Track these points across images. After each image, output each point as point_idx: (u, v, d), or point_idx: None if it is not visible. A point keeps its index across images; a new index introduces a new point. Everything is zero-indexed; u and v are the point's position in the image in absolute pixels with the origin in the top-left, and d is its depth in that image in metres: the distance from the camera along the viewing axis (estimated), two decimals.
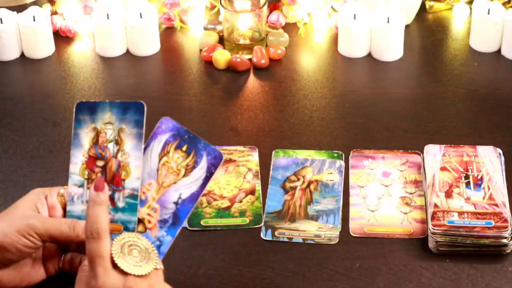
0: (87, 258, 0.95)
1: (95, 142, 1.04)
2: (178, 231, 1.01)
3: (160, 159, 1.03)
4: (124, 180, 1.02)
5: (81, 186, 1.04)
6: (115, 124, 1.03)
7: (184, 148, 1.02)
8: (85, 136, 1.04)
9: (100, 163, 1.03)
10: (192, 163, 1.02)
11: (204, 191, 1.01)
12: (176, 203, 1.02)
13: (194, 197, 1.01)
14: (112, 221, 1.01)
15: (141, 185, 1.02)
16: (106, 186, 0.98)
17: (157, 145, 1.03)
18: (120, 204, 1.02)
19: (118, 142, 1.03)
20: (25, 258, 1.02)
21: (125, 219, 1.02)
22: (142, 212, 1.02)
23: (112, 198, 1.02)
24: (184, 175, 1.02)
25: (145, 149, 1.03)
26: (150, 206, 1.02)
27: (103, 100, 1.04)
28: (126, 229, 1.01)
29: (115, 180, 1.03)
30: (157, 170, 1.03)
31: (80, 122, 1.04)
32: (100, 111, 1.03)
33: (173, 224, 1.02)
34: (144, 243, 0.97)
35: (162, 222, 1.02)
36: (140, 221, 1.02)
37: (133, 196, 1.02)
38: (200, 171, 1.02)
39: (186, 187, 1.02)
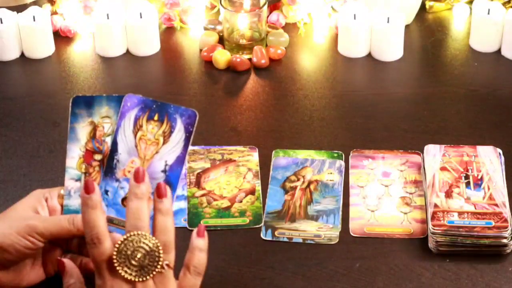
0: (93, 264, 0.93)
1: (92, 136, 1.04)
2: (175, 196, 1.01)
3: (135, 136, 1.02)
4: None
5: (78, 180, 1.04)
6: (112, 118, 1.03)
7: (155, 118, 1.02)
8: (82, 130, 1.04)
9: (97, 156, 1.03)
10: (168, 129, 1.01)
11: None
12: (164, 171, 1.01)
13: (180, 159, 1.01)
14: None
15: (123, 166, 1.02)
16: (96, 186, 0.93)
17: (128, 123, 1.02)
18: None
19: None
20: (25, 259, 1.02)
21: None
22: None
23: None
24: (164, 143, 1.01)
25: (116, 131, 1.02)
26: None
27: (99, 94, 1.04)
28: None
29: None
30: (136, 147, 1.02)
31: (76, 116, 1.04)
32: (97, 105, 1.03)
33: None
34: (150, 244, 0.93)
35: None
36: None
37: None
38: (178, 134, 1.01)
39: (169, 152, 1.01)
